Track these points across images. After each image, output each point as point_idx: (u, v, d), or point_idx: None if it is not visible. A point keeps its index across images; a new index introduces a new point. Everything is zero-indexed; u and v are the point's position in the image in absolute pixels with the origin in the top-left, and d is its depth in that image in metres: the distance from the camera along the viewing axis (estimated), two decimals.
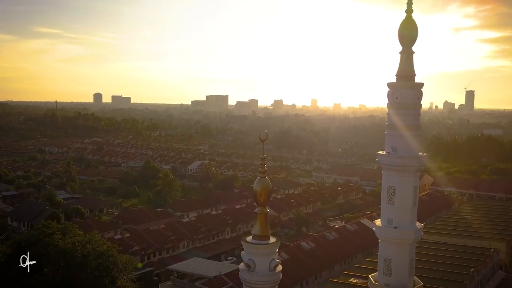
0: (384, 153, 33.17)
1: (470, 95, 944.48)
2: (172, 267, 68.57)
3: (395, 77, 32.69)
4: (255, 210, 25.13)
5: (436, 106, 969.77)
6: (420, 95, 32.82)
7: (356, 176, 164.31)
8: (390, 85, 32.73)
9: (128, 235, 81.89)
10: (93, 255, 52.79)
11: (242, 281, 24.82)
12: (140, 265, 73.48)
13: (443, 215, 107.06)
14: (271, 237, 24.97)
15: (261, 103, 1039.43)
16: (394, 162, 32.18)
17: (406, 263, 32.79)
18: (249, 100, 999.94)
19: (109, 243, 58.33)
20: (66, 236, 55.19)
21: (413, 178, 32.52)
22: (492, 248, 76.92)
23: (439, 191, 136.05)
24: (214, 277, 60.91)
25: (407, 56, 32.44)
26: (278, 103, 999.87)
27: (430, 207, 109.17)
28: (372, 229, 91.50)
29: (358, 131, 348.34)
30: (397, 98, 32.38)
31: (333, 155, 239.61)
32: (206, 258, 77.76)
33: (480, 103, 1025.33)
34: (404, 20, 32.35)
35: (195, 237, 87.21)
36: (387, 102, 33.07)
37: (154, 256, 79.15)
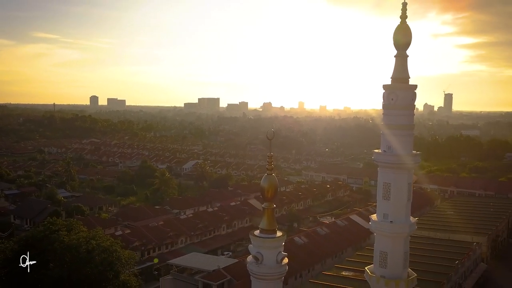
0: (380, 151, 33.37)
1: (448, 98, 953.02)
2: (172, 261, 68.26)
3: (390, 79, 32.88)
4: (263, 206, 25.19)
5: (417, 108, 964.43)
6: (414, 96, 33.06)
7: (344, 174, 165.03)
8: (385, 87, 32.90)
9: (128, 231, 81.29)
10: (98, 250, 52.40)
11: (250, 273, 24.85)
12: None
13: (427, 211, 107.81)
14: (277, 231, 25.07)
15: (251, 106, 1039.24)
16: (389, 160, 32.37)
17: (401, 256, 33.03)
18: (239, 102, 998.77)
19: (112, 239, 57.92)
20: (71, 232, 54.73)
21: (408, 175, 32.75)
22: (474, 242, 77.79)
23: (422, 189, 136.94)
24: (213, 270, 60.74)
25: (401, 60, 32.62)
26: (267, 105, 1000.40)
27: (414, 203, 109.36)
28: (360, 225, 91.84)
29: (343, 132, 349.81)
30: (392, 99, 32.55)
31: (321, 154, 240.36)
32: (203, 253, 77.59)
33: (458, 106, 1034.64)
34: (398, 25, 32.58)
35: (192, 233, 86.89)
36: (383, 103, 33.25)
37: (154, 251, 78.73)
